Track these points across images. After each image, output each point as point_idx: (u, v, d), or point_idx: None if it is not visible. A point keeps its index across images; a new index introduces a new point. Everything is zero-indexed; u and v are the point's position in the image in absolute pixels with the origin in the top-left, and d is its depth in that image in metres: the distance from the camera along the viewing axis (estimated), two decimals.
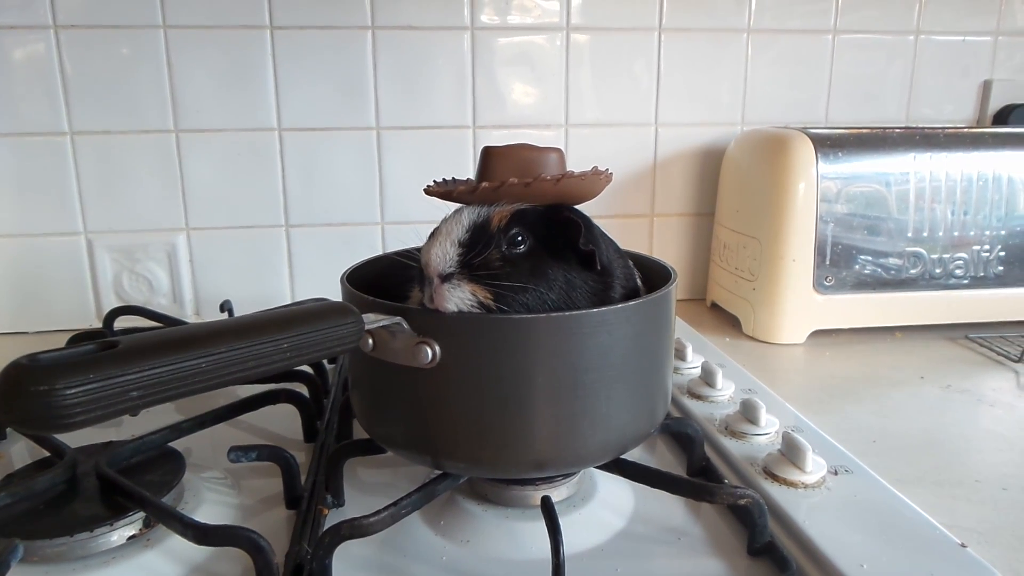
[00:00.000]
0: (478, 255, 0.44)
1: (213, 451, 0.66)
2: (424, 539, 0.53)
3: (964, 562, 0.48)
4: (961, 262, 0.97)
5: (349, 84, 1.03)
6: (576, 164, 1.09)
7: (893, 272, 0.96)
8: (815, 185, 0.93)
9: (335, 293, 1.04)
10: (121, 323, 0.92)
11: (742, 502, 0.49)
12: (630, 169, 1.13)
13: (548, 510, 0.48)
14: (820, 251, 0.94)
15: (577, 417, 0.47)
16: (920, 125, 1.14)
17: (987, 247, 0.97)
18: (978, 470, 0.64)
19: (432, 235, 0.47)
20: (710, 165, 1.13)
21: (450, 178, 0.53)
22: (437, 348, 0.45)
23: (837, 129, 0.98)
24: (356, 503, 0.58)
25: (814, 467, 0.57)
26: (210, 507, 0.57)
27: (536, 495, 0.55)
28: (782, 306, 0.97)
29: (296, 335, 0.38)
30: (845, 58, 1.13)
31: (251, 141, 1.02)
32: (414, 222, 1.09)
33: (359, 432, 0.68)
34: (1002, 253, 0.97)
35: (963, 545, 0.50)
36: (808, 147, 0.93)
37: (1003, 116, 1.17)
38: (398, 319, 0.46)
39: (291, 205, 1.06)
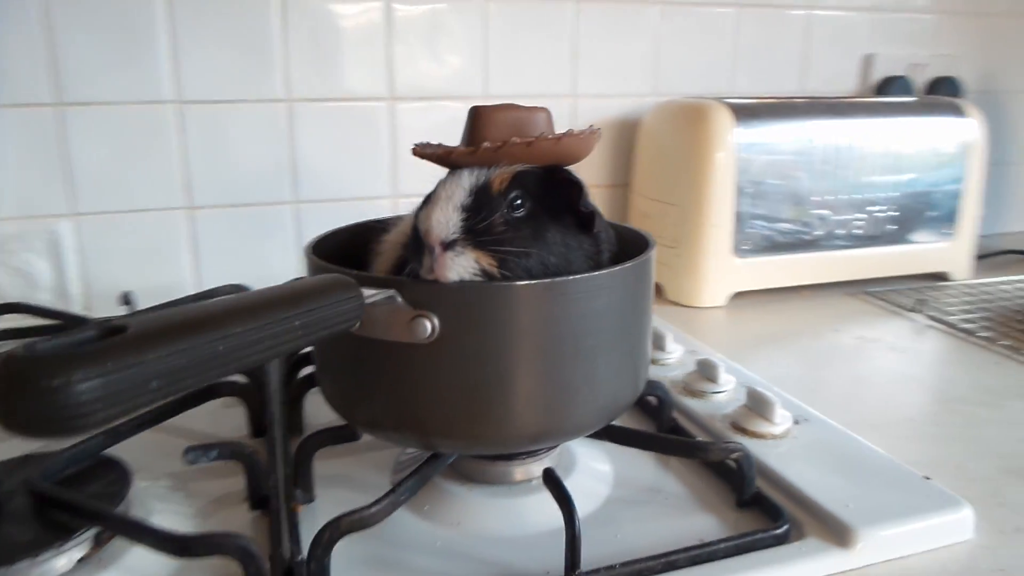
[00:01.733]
0: (482, 220, 0.42)
1: (150, 455, 0.60)
2: (413, 527, 0.51)
3: (933, 493, 0.51)
4: (860, 222, 1.04)
5: (255, 51, 0.95)
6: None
7: (803, 234, 1.02)
8: (733, 153, 0.96)
9: (247, 278, 0.98)
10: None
11: (734, 456, 0.50)
12: None
13: (554, 481, 0.47)
14: (738, 216, 0.98)
15: (577, 384, 0.46)
16: (815, 95, 1.20)
17: (881, 208, 1.05)
18: (906, 411, 0.69)
19: (428, 200, 0.44)
20: (624, 136, 1.15)
21: (427, 142, 0.50)
22: (436, 321, 0.43)
23: (748, 99, 1.02)
24: (325, 498, 0.54)
25: (781, 419, 0.59)
26: (163, 517, 0.51)
27: (520, 470, 0.54)
28: (704, 271, 1.00)
29: (306, 311, 0.35)
30: (747, 31, 1.17)
31: (146, 115, 0.93)
32: (330, 200, 1.03)
33: (311, 422, 0.65)
34: (894, 213, 1.05)
35: (927, 478, 0.53)
36: (726, 116, 0.96)
37: (883, 87, 1.26)
38: (391, 292, 0.43)
39: (193, 185, 0.97)
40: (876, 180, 1.04)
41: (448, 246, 0.42)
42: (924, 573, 0.47)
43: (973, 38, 1.33)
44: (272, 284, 0.97)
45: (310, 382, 0.64)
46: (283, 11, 0.95)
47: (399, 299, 0.43)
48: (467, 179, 0.44)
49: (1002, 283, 1.10)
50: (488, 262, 0.42)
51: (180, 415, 0.61)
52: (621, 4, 1.10)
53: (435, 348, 0.44)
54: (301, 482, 0.53)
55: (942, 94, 1.27)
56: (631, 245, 0.54)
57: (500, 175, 0.44)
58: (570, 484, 0.53)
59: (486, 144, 0.43)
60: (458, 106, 1.06)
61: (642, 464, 0.59)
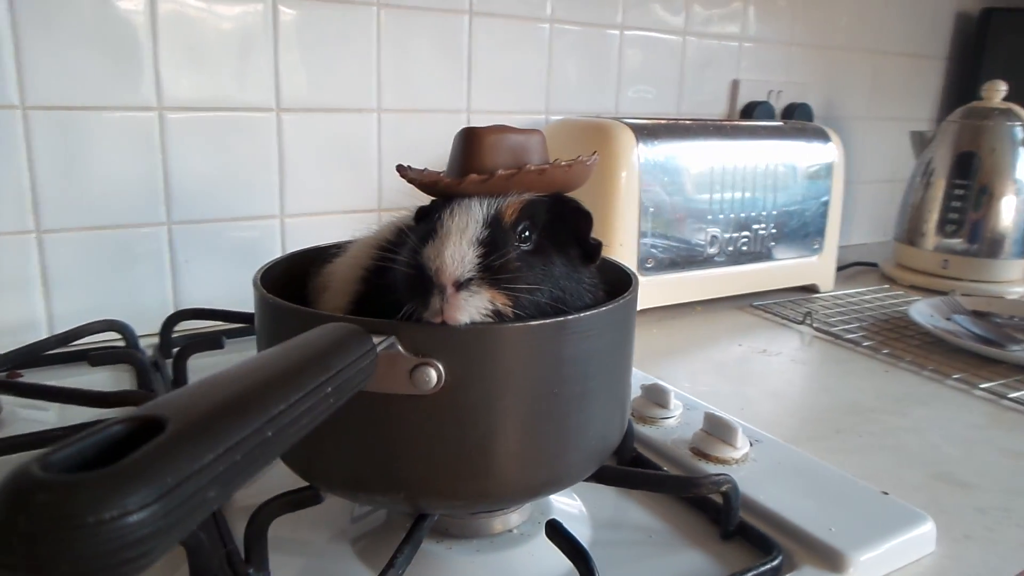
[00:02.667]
0: (499, 256, 0.38)
1: None
2: None
3: (896, 509, 0.53)
4: (746, 240, 1.09)
5: (118, 52, 0.83)
6: (391, 150, 1.02)
7: (698, 251, 1.05)
8: (636, 172, 0.97)
9: (111, 312, 0.85)
10: None
11: (724, 488, 0.49)
12: (442, 158, 1.08)
13: (563, 535, 0.43)
14: (641, 235, 1.00)
15: (583, 427, 0.43)
16: (693, 117, 1.26)
17: (763, 225, 1.11)
18: (830, 423, 0.72)
19: (436, 233, 0.39)
20: None
21: (408, 165, 0.45)
22: (442, 369, 0.38)
23: (642, 119, 1.04)
24: (278, 572, 0.47)
25: (741, 442, 0.59)
26: None
27: (498, 521, 0.50)
28: None
29: (335, 375, 0.29)
30: (629, 54, 1.20)
31: None
32: (210, 220, 0.93)
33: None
34: (774, 230, 1.12)
35: (885, 493, 0.55)
36: (629, 135, 0.97)
37: (748, 111, 1.35)
38: (391, 338, 0.37)
39: (43, 204, 0.83)
40: (759, 199, 1.09)
41: (462, 285, 0.37)
42: None
43: (819, 68, 1.45)
44: (144, 319, 0.86)
45: None
46: (150, 6, 0.83)
47: (399, 346, 0.38)
48: (478, 210, 0.39)
49: (863, 293, 1.20)
50: (503, 301, 0.38)
51: None
52: (514, 20, 1.08)
53: (437, 399, 0.39)
54: (254, 559, 0.45)
55: (796, 119, 1.38)
56: (606, 276, 0.52)
57: (511, 206, 0.40)
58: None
59: (500, 172, 0.39)
60: (349, 119, 0.99)
61: (618, 503, 0.56)
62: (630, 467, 0.59)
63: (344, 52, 0.96)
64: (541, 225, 0.41)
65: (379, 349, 0.36)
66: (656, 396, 0.66)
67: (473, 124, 1.09)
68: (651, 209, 0.99)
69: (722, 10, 1.28)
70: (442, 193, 0.42)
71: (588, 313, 0.41)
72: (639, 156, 0.98)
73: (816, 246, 1.17)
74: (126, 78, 0.84)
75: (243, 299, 0.92)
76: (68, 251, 0.85)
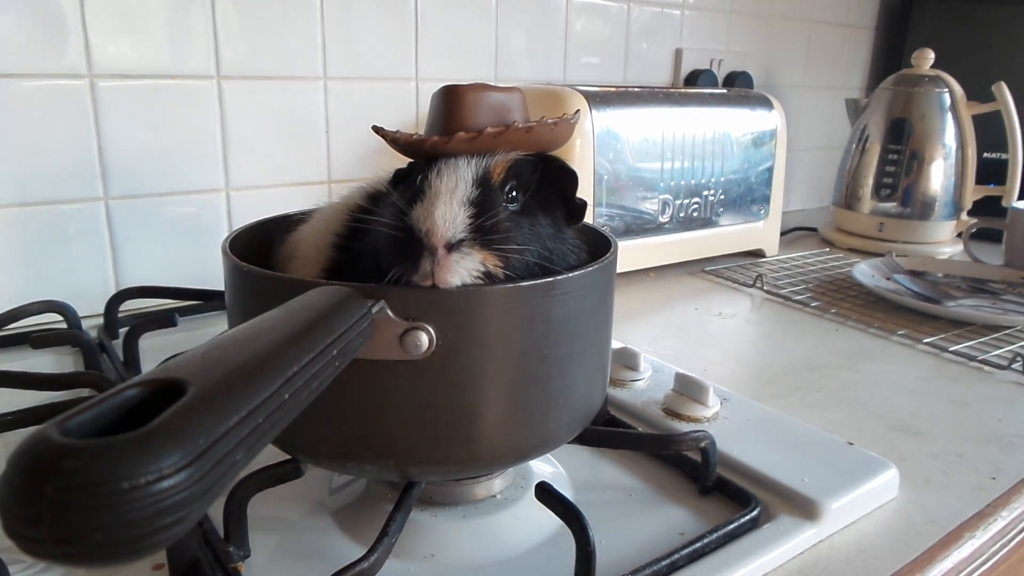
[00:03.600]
0: (489, 216, 0.37)
1: None
2: (385, 569, 0.44)
3: (862, 458, 0.55)
4: (696, 207, 1.11)
5: (46, 15, 0.77)
6: (339, 120, 0.99)
7: (650, 219, 1.06)
8: (591, 140, 0.97)
9: (48, 292, 0.80)
10: None
11: (703, 445, 0.50)
12: (393, 126, 1.05)
13: (555, 497, 0.43)
14: (596, 203, 1.00)
15: (570, 389, 0.43)
16: (641, 85, 1.26)
17: (712, 192, 1.12)
18: (790, 380, 0.74)
19: (424, 194, 0.37)
20: None
21: (380, 126, 0.43)
22: (433, 333, 0.37)
23: (593, 86, 1.04)
24: (261, 548, 0.45)
25: (712, 401, 0.60)
26: None
27: (481, 487, 0.50)
28: None
29: (339, 337, 0.27)
30: (576, 21, 1.19)
31: None
32: (150, 195, 0.88)
33: None
34: (722, 197, 1.14)
35: (850, 443, 0.57)
36: (582, 103, 0.97)
37: (691, 79, 1.36)
38: (381, 303, 0.36)
39: None
40: (707, 166, 1.11)
41: (453, 247, 0.36)
42: (874, 534, 0.50)
43: (758, 37, 1.48)
44: (84, 300, 0.82)
45: None
46: None
47: (388, 311, 0.36)
48: (466, 170, 0.38)
49: (806, 256, 1.24)
50: (494, 263, 0.37)
51: None
52: None
53: (427, 363, 0.38)
54: (233, 536, 0.44)
55: (738, 87, 1.40)
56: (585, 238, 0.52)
57: (499, 164, 0.39)
58: (532, 497, 0.50)
59: (489, 129, 0.38)
60: (294, 87, 0.95)
61: (584, 460, 0.57)
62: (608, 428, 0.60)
63: (286, 17, 0.93)
64: (528, 185, 0.40)
65: (374, 311, 0.34)
66: (626, 359, 0.67)
67: (421, 91, 1.06)
68: (604, 177, 1.00)
69: None
70: (426, 154, 0.41)
71: (577, 273, 0.40)
72: (593, 124, 0.98)
73: (762, 212, 1.20)
74: (52, 43, 0.79)
75: (188, 276, 0.89)
76: None
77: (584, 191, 0.96)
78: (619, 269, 1.06)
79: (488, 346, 0.38)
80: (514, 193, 0.40)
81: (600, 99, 0.99)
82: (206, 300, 0.81)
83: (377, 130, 0.42)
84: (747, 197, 1.17)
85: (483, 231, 0.37)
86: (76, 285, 0.83)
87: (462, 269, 0.36)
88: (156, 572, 0.43)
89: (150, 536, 0.16)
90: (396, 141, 0.42)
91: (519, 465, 0.52)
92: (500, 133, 0.39)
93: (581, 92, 0.99)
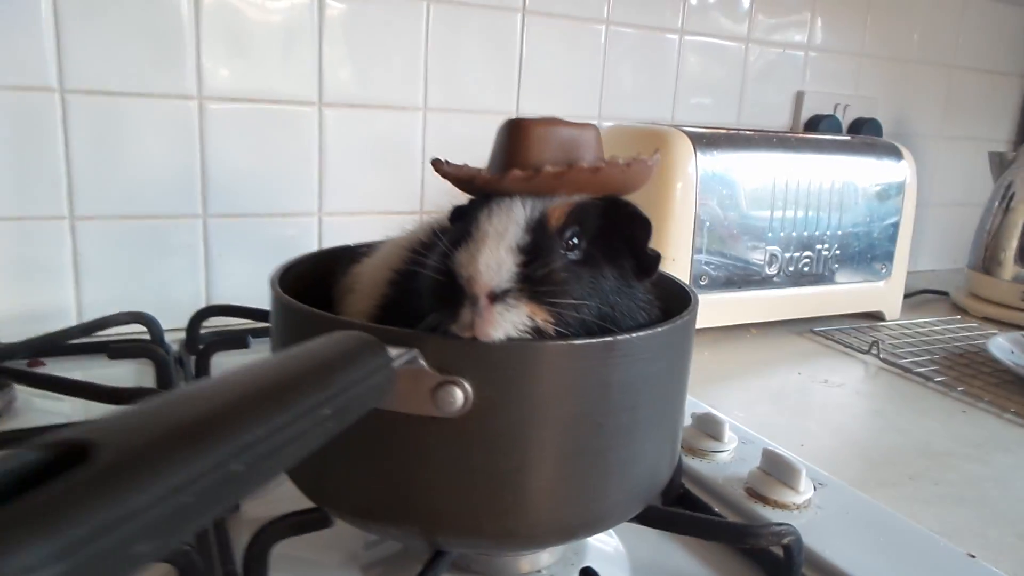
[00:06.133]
0: (541, 265, 0.33)
1: None
2: None
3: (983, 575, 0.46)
4: (808, 261, 1.02)
5: (160, 37, 0.81)
6: (436, 151, 0.98)
7: (755, 270, 0.98)
8: (694, 183, 0.91)
9: (142, 304, 0.83)
10: None
11: (785, 541, 0.43)
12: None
13: None
14: (696, 250, 0.93)
15: (629, 463, 0.38)
16: (755, 128, 1.19)
17: (827, 246, 1.03)
18: (902, 467, 0.65)
19: (471, 236, 0.34)
20: None
21: (446, 160, 0.40)
22: (469, 389, 0.33)
23: (702, 128, 0.98)
24: None
25: (805, 486, 0.53)
26: None
27: (526, 561, 0.45)
28: None
29: (338, 392, 0.24)
30: (689, 60, 1.14)
31: (21, 103, 0.76)
32: (245, 215, 0.90)
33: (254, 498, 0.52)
34: (838, 252, 1.04)
35: (971, 556, 0.48)
36: (686, 144, 0.91)
37: (812, 125, 1.27)
38: (414, 352, 0.32)
39: (78, 190, 0.81)
40: (823, 217, 1.02)
41: (497, 297, 0.32)
42: None
43: (889, 82, 1.37)
44: (173, 313, 0.82)
45: None
46: None
47: (421, 361, 0.33)
48: (520, 212, 0.34)
49: (933, 323, 1.11)
50: (543, 317, 0.33)
51: None
52: (568, 20, 1.03)
53: (462, 422, 0.34)
54: None
55: (864, 134, 1.30)
56: (660, 292, 0.47)
57: (558, 208, 0.34)
58: None
59: (548, 168, 0.34)
60: (393, 116, 0.95)
61: (651, 539, 0.50)
62: (677, 506, 0.53)
63: (391, 48, 0.93)
64: (592, 232, 0.36)
65: (398, 364, 0.31)
66: (708, 426, 0.60)
67: None
68: (707, 223, 0.93)
69: (787, 17, 1.21)
70: (480, 190, 0.37)
71: (642, 333, 0.35)
72: (697, 166, 0.92)
73: (883, 270, 1.09)
74: (168, 66, 0.82)
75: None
76: (101, 239, 0.83)
77: (683, 238, 0.91)
78: (717, 323, 1.00)
79: (532, 409, 0.34)
80: (575, 241, 0.35)
81: (707, 140, 0.93)
82: None
83: (435, 163, 0.39)
84: (867, 253, 1.07)
85: (533, 281, 0.32)
86: (167, 298, 0.85)
87: (506, 322, 0.32)
88: None
89: None
90: (449, 175, 0.38)
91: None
92: (561, 173, 0.34)
93: (686, 133, 0.93)
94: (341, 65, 0.90)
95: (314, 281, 0.49)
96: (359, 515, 0.38)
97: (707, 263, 0.94)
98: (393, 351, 0.31)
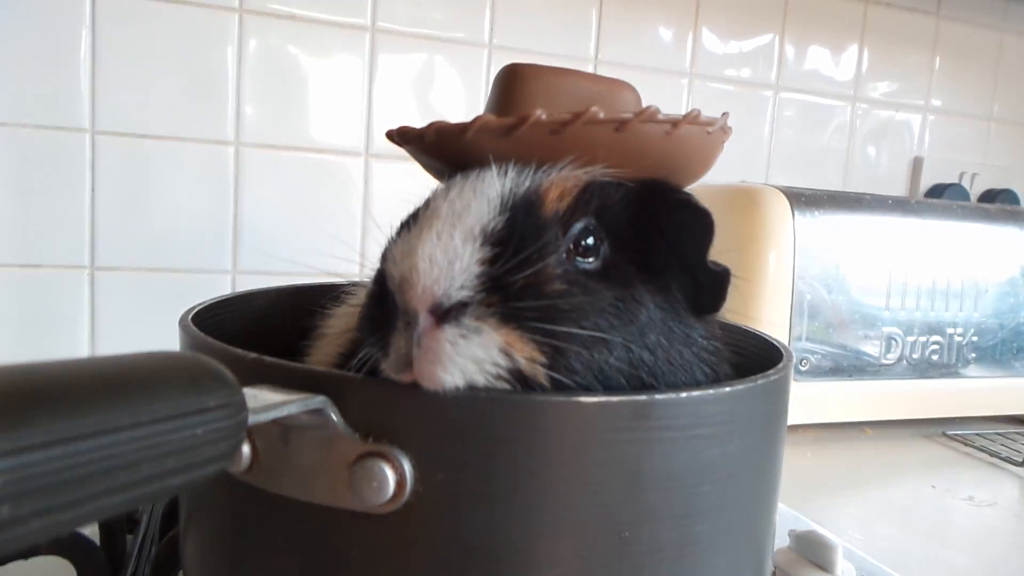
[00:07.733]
0: (521, 265, 0.20)
1: None
2: None
3: None
4: (936, 348, 0.84)
5: (200, 80, 0.76)
6: None
7: (868, 357, 0.81)
8: (791, 250, 0.77)
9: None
10: None
11: None
12: None
13: None
14: (795, 336, 0.78)
15: None
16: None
17: (961, 331, 0.85)
18: None
19: (414, 221, 0.22)
20: None
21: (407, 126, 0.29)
22: (406, 468, 0.20)
23: (804, 188, 0.84)
24: None
25: None
26: None
27: None
28: None
29: (125, 425, 0.12)
30: (787, 117, 1.01)
31: (50, 143, 0.72)
32: (280, 273, 0.81)
33: None
34: (975, 339, 0.86)
35: None
36: (782, 203, 0.78)
37: (934, 195, 1.10)
38: (319, 400, 0.20)
39: (100, 239, 0.75)
40: (955, 298, 0.85)
41: (448, 314, 0.19)
42: None
43: None
44: None
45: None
46: (239, 43, 0.76)
47: (334, 417, 0.20)
48: (493, 185, 0.22)
49: None
50: (526, 352, 0.20)
51: None
52: (649, 73, 0.93)
53: (396, 521, 0.21)
54: None
55: None
56: (739, 349, 0.33)
57: (557, 184, 0.22)
58: None
59: (539, 113, 0.22)
60: None
61: None
62: None
63: (442, 98, 0.85)
64: (617, 229, 0.23)
65: (278, 415, 0.18)
66: (813, 551, 0.44)
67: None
68: (807, 297, 0.78)
69: (903, 76, 1.07)
70: (455, 155, 0.26)
71: (699, 392, 0.22)
72: (795, 231, 0.77)
73: None
74: (205, 108, 0.76)
75: None
76: (119, 291, 0.76)
77: (777, 318, 0.76)
78: (821, 419, 0.83)
79: (508, 509, 0.21)
80: (589, 241, 0.22)
81: (807, 200, 0.79)
82: None
83: (387, 134, 0.28)
84: (1012, 343, 0.88)
85: (510, 291, 0.20)
86: None
87: (462, 357, 0.19)
88: None
89: None
90: (393, 138, 0.27)
91: None
92: (563, 124, 0.22)
93: (782, 191, 0.79)
94: (390, 117, 0.83)
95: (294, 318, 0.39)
96: None
97: (808, 350, 0.78)
98: (271, 393, 0.19)
